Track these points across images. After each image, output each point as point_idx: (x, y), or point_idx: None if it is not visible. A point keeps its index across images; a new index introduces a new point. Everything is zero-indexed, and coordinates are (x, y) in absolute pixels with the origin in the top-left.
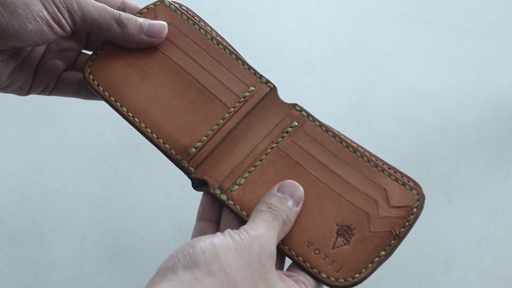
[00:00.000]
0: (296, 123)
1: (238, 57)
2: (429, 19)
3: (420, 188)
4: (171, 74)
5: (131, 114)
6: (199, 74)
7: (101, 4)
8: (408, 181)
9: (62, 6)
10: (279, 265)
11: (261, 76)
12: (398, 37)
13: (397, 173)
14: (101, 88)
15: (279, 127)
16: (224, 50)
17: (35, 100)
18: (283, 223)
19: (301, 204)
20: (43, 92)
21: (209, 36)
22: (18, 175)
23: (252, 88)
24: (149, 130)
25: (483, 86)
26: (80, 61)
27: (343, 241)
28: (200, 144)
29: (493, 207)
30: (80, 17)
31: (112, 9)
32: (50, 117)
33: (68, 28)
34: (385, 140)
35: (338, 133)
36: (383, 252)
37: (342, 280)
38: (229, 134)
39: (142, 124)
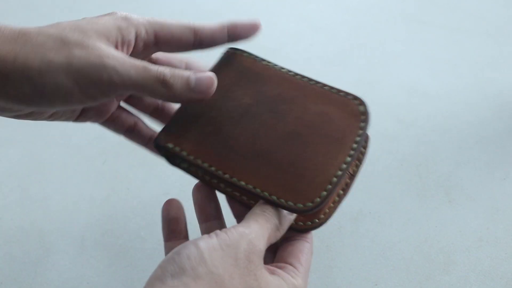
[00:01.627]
0: None
1: None
2: (429, 19)
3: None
4: None
5: None
6: None
7: (142, 63)
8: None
9: (96, 83)
10: (270, 259)
11: None
12: (398, 37)
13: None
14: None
15: None
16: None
17: None
18: (275, 227)
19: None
20: (90, 120)
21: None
22: (18, 175)
23: None
24: None
25: (483, 86)
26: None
27: None
28: None
29: (493, 207)
30: (121, 87)
31: (154, 68)
32: None
33: (103, 101)
34: (385, 140)
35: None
36: (341, 192)
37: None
38: None
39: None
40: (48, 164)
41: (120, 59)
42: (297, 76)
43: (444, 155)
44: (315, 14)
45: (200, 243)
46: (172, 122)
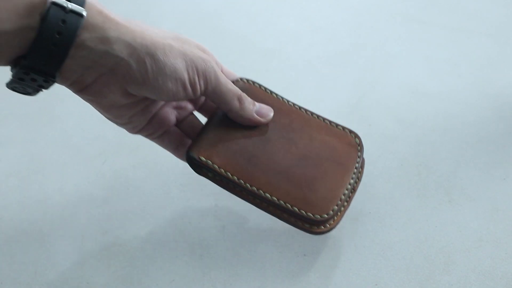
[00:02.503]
0: None
1: None
2: (429, 19)
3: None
4: None
5: None
6: None
7: (229, 80)
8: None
9: (202, 73)
10: None
11: None
12: (398, 37)
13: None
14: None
15: None
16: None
17: (35, 100)
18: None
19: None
20: (149, 136)
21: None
22: (18, 175)
23: None
24: None
25: (483, 86)
26: (188, 120)
27: None
28: None
29: (493, 207)
30: (213, 87)
31: (236, 87)
32: (50, 117)
33: (198, 93)
34: (385, 140)
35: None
36: (346, 203)
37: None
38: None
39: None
40: (48, 164)
41: (219, 68)
42: (302, 109)
43: (444, 155)
44: (315, 14)
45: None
46: (201, 137)
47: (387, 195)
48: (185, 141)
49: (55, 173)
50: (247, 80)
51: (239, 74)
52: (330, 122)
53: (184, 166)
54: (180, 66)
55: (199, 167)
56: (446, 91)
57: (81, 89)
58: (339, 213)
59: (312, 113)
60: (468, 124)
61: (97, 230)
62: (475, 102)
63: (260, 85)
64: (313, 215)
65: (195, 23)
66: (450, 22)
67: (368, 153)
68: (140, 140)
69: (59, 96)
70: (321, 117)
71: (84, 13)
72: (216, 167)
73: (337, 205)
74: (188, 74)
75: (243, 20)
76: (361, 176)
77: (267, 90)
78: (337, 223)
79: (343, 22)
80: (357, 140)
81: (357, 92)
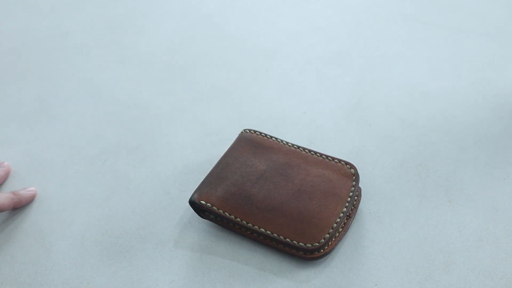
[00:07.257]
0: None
1: None
2: (429, 19)
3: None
4: None
5: None
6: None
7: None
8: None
9: None
10: None
11: None
12: (398, 37)
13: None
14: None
15: None
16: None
17: (35, 100)
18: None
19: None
20: None
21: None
22: (18, 175)
23: None
24: None
25: (483, 86)
26: None
27: None
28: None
29: (493, 207)
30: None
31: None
32: (50, 117)
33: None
34: (385, 140)
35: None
36: (341, 229)
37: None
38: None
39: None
40: (48, 164)
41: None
42: (300, 148)
43: (444, 155)
44: (315, 14)
45: None
46: (203, 183)
47: (387, 195)
48: None
49: (55, 173)
50: (249, 130)
51: (239, 74)
52: (327, 156)
53: (184, 166)
54: None
55: (202, 211)
56: (446, 91)
57: None
58: (333, 239)
59: (309, 151)
60: (468, 124)
61: (97, 230)
62: (475, 102)
63: (260, 133)
64: (304, 244)
65: (195, 23)
66: (450, 22)
67: (368, 153)
68: (140, 140)
69: (59, 96)
70: (319, 153)
71: None
72: (215, 208)
73: (329, 233)
74: None
75: (243, 20)
76: (357, 203)
77: (267, 136)
78: (332, 248)
79: (343, 22)
80: (352, 170)
81: (357, 92)
